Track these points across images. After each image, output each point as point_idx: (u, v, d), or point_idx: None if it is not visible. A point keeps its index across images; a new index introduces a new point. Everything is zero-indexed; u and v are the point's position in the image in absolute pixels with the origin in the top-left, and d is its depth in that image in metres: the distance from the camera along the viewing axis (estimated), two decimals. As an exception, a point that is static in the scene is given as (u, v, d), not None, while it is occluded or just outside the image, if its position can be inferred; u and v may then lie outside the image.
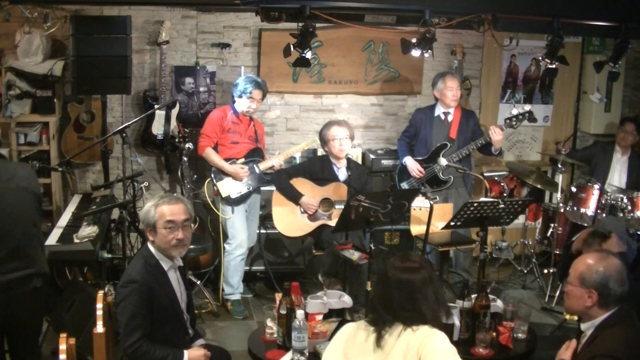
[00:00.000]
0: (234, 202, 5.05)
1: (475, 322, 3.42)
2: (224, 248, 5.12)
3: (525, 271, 5.86)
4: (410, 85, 6.15)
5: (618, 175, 5.83)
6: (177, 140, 5.48)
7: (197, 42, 5.70)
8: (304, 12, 4.14)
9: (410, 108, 6.15)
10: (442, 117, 5.45)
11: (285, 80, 5.88)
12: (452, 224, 4.43)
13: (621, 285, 2.66)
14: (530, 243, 5.96)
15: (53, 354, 4.12)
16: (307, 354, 3.13)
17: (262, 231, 5.49)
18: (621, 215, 5.23)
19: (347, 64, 5.96)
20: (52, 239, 4.10)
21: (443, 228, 4.63)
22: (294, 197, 4.99)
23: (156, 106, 5.35)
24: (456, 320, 3.40)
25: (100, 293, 3.19)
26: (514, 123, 5.26)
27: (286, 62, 5.36)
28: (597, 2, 4.52)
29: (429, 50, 4.52)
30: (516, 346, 3.45)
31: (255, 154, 5.13)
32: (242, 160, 5.06)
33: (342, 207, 4.74)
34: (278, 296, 3.48)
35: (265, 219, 5.44)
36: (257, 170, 5.09)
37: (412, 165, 5.43)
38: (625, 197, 5.29)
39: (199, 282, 5.18)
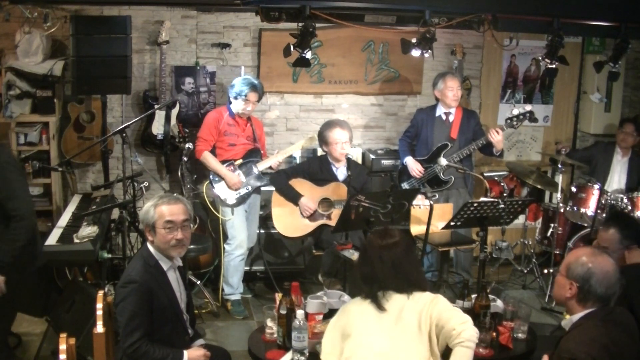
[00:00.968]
0: (233, 204, 5.05)
1: (475, 322, 3.41)
2: (223, 248, 5.12)
3: (525, 271, 5.86)
4: (410, 85, 6.15)
5: (618, 176, 5.83)
6: (177, 140, 5.48)
7: (197, 42, 5.70)
8: (304, 12, 4.14)
9: (410, 108, 6.15)
10: (444, 117, 5.44)
11: (285, 80, 5.88)
12: (452, 224, 4.43)
13: (604, 287, 2.60)
14: (530, 243, 5.96)
15: (53, 354, 4.12)
16: (307, 354, 3.13)
17: (262, 231, 5.49)
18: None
19: (347, 64, 5.96)
20: (52, 239, 4.10)
21: (443, 228, 4.63)
22: (293, 197, 4.99)
23: (156, 106, 5.35)
24: (456, 320, 3.39)
25: (100, 293, 3.19)
26: (514, 123, 5.26)
27: (286, 62, 5.36)
28: (597, 2, 4.52)
29: (429, 50, 4.52)
30: (516, 346, 3.45)
31: (253, 155, 5.12)
32: (240, 161, 5.05)
33: (342, 207, 4.75)
34: (278, 296, 3.48)
35: (266, 219, 5.44)
36: (255, 171, 5.09)
37: (413, 165, 5.43)
38: (625, 197, 5.29)
39: (199, 282, 5.18)
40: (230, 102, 5.05)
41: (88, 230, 4.14)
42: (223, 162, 5.02)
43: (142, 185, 4.92)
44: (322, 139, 5.07)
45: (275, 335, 3.38)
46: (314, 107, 6.06)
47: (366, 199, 3.96)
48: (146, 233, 3.18)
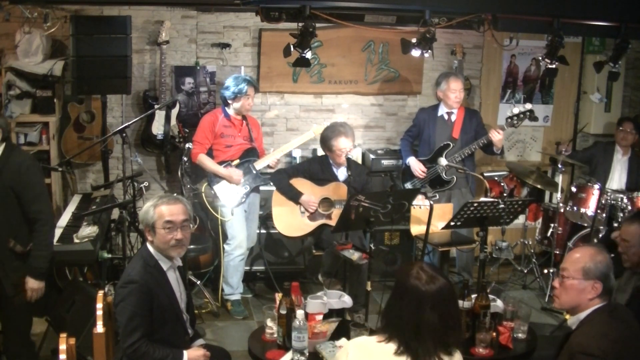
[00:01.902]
0: (233, 205, 5.04)
1: (475, 322, 3.42)
2: (223, 248, 5.12)
3: (525, 271, 5.86)
4: (410, 85, 6.15)
5: (618, 175, 5.82)
6: (177, 140, 5.49)
7: (197, 42, 5.70)
8: (304, 12, 4.13)
9: (410, 108, 6.15)
10: (445, 117, 5.44)
11: (285, 80, 5.88)
12: (452, 224, 4.43)
13: (615, 276, 2.74)
14: (530, 243, 5.96)
15: (53, 354, 4.12)
16: (307, 354, 3.13)
17: (262, 231, 5.49)
18: (621, 215, 5.23)
19: (347, 64, 5.95)
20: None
21: (443, 228, 4.63)
22: (294, 196, 4.99)
23: (156, 106, 5.35)
24: (456, 320, 3.39)
25: (100, 293, 3.19)
26: (515, 122, 5.26)
27: (286, 62, 5.36)
28: (597, 2, 4.52)
29: (429, 50, 4.52)
30: (516, 346, 3.45)
31: (251, 154, 5.11)
32: (237, 161, 5.04)
33: (342, 207, 4.75)
34: (278, 296, 3.48)
35: (266, 219, 5.44)
36: (253, 170, 5.08)
37: (415, 165, 5.43)
38: (625, 197, 5.29)
39: (199, 282, 5.18)
40: (226, 104, 5.05)
41: (88, 230, 4.14)
42: (220, 163, 5.02)
43: (142, 185, 4.92)
44: (326, 144, 5.02)
45: (275, 335, 3.38)
46: (314, 107, 6.06)
47: (366, 199, 3.96)
48: (146, 233, 3.18)
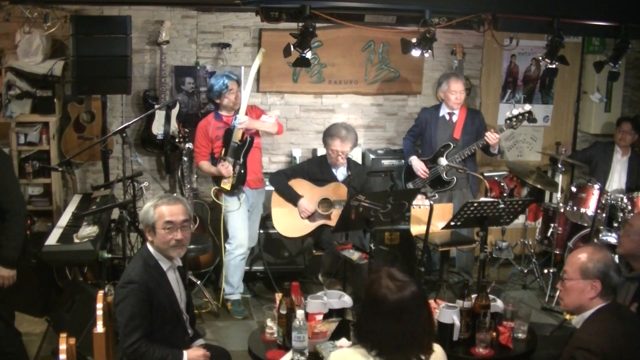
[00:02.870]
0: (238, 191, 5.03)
1: (475, 322, 3.41)
2: (224, 247, 5.13)
3: (525, 271, 5.86)
4: (410, 86, 6.15)
5: (618, 175, 5.83)
6: (177, 140, 5.48)
7: (197, 42, 5.70)
8: (304, 12, 4.13)
9: (410, 108, 6.15)
10: (447, 117, 5.45)
11: (285, 80, 5.88)
12: (452, 224, 4.43)
13: (618, 273, 2.73)
14: (530, 243, 5.96)
15: (53, 354, 4.12)
16: (307, 354, 3.13)
17: (262, 231, 5.48)
18: (621, 215, 5.23)
19: (347, 64, 5.95)
20: (52, 239, 4.10)
21: (443, 228, 4.63)
22: (293, 198, 5.00)
23: (156, 106, 5.35)
24: (456, 320, 3.39)
25: (100, 293, 3.19)
26: (514, 123, 5.26)
27: (286, 62, 5.36)
28: (597, 2, 4.52)
29: (429, 50, 4.52)
30: (516, 346, 3.45)
31: (228, 134, 4.99)
32: (223, 151, 4.99)
33: (342, 207, 4.75)
34: (278, 296, 3.48)
35: (266, 219, 5.44)
36: (235, 139, 4.93)
37: (418, 165, 5.43)
38: (625, 197, 5.29)
39: (199, 282, 5.18)
40: (216, 106, 5.08)
41: (88, 230, 4.14)
42: (218, 160, 5.03)
43: (142, 185, 4.93)
44: (324, 139, 5.09)
45: (275, 335, 3.38)
46: (314, 107, 6.06)
47: (366, 199, 3.96)
48: (146, 233, 3.18)
